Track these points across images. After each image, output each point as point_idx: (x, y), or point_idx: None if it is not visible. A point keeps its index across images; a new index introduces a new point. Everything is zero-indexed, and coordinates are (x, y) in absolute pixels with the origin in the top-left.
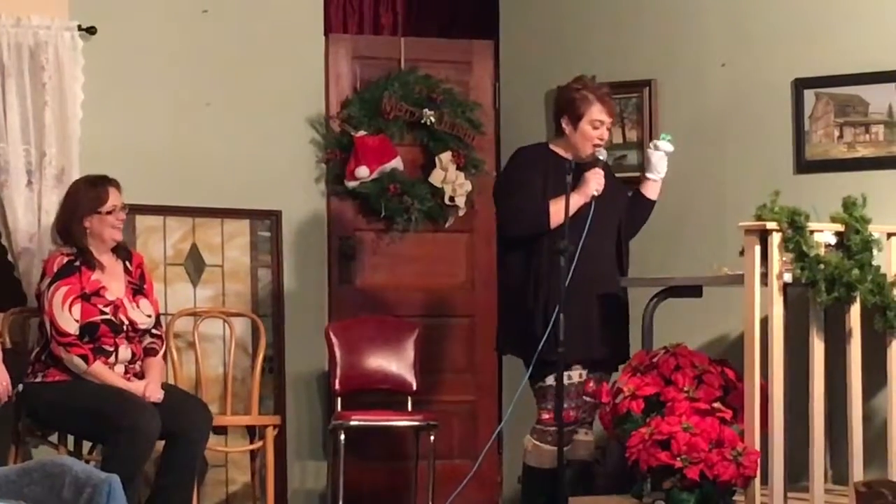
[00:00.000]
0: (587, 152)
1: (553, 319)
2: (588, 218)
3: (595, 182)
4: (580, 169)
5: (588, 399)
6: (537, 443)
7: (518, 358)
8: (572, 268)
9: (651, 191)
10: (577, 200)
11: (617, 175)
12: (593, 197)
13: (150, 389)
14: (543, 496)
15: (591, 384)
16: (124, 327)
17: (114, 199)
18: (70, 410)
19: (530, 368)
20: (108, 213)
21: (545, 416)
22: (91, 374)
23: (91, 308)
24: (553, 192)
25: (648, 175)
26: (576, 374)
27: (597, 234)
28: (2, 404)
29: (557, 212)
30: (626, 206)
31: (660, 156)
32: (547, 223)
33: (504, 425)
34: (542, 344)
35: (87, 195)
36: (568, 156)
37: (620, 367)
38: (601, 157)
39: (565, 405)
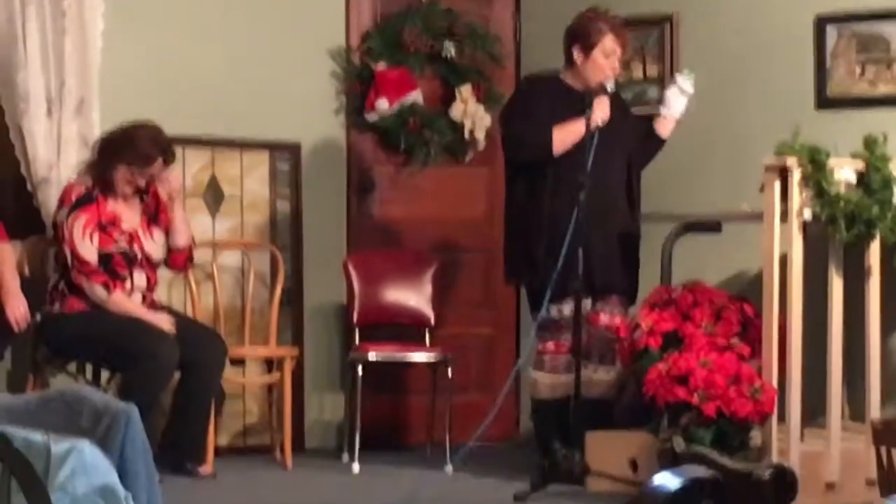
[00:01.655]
0: (597, 82)
1: (565, 250)
2: (592, 147)
3: (600, 111)
4: (587, 98)
5: (602, 333)
6: (536, 374)
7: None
8: (581, 198)
9: (663, 128)
10: (580, 128)
11: (635, 110)
12: (597, 126)
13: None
14: (553, 428)
15: (603, 317)
16: (138, 258)
17: (155, 168)
18: (88, 340)
19: (546, 298)
20: (138, 175)
21: (540, 346)
22: (112, 303)
23: (107, 238)
24: (559, 121)
25: (662, 111)
26: (567, 309)
27: (603, 164)
28: (21, 333)
29: (561, 139)
30: (637, 138)
31: (675, 92)
32: (551, 149)
33: (521, 360)
34: (553, 276)
35: (139, 150)
36: (578, 86)
37: (632, 302)
38: (609, 88)
39: (562, 337)
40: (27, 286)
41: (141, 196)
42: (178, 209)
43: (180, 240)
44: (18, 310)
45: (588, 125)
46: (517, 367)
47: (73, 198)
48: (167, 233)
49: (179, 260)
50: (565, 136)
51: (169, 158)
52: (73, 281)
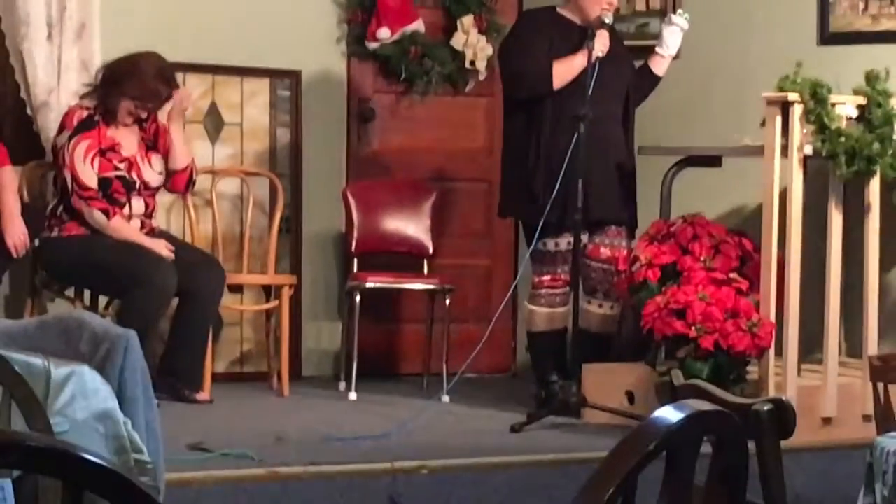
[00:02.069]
0: (595, 15)
1: (560, 182)
2: (592, 81)
3: (599, 44)
4: (585, 32)
5: (603, 266)
6: (532, 307)
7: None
8: (581, 131)
9: (658, 66)
10: (580, 62)
11: (638, 43)
12: (597, 59)
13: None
14: (550, 360)
15: (604, 250)
16: (137, 185)
17: (159, 103)
18: (86, 265)
19: (538, 231)
20: (141, 109)
21: (536, 279)
22: (110, 228)
23: (106, 163)
24: (557, 55)
25: (658, 49)
26: (564, 242)
27: (602, 97)
28: (19, 257)
29: (561, 73)
30: (632, 74)
31: (672, 30)
32: (550, 84)
33: (518, 291)
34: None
35: (145, 85)
36: (575, 19)
37: (632, 234)
38: (607, 21)
39: (558, 270)
40: (26, 211)
41: (140, 123)
42: (177, 131)
43: (180, 161)
44: (18, 235)
45: (589, 58)
46: (511, 292)
47: (75, 122)
48: (166, 158)
49: (180, 182)
50: (565, 70)
51: (174, 91)
52: (73, 205)
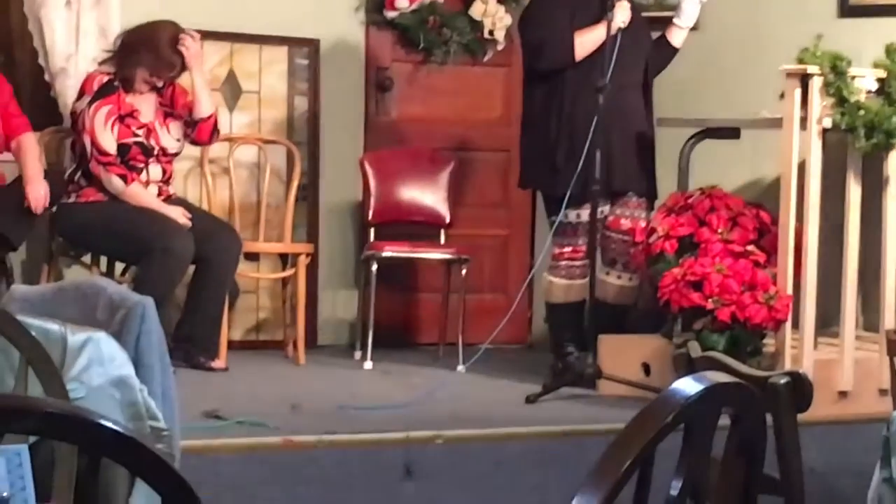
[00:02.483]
0: None
1: (585, 154)
2: (613, 51)
3: (621, 15)
4: (605, 2)
5: (623, 237)
6: (552, 278)
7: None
8: (601, 102)
9: (675, 37)
10: (601, 33)
11: (657, 14)
12: (619, 29)
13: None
14: (567, 331)
15: (624, 222)
16: (155, 151)
17: (175, 73)
18: (104, 231)
19: (565, 202)
20: (157, 79)
21: (556, 250)
22: (128, 194)
23: (125, 129)
24: (579, 26)
25: (675, 20)
26: (585, 213)
27: (622, 67)
28: (40, 215)
29: (582, 43)
30: (651, 45)
31: (691, 1)
32: (572, 55)
33: (537, 262)
34: (573, 181)
35: (161, 56)
36: None
37: (651, 205)
38: None
39: (579, 241)
40: (46, 177)
41: (158, 89)
42: (198, 78)
43: (204, 109)
44: (38, 192)
45: (609, 29)
46: (533, 270)
47: (95, 86)
48: (190, 114)
49: (205, 131)
50: (588, 41)
51: (186, 49)
52: (91, 171)
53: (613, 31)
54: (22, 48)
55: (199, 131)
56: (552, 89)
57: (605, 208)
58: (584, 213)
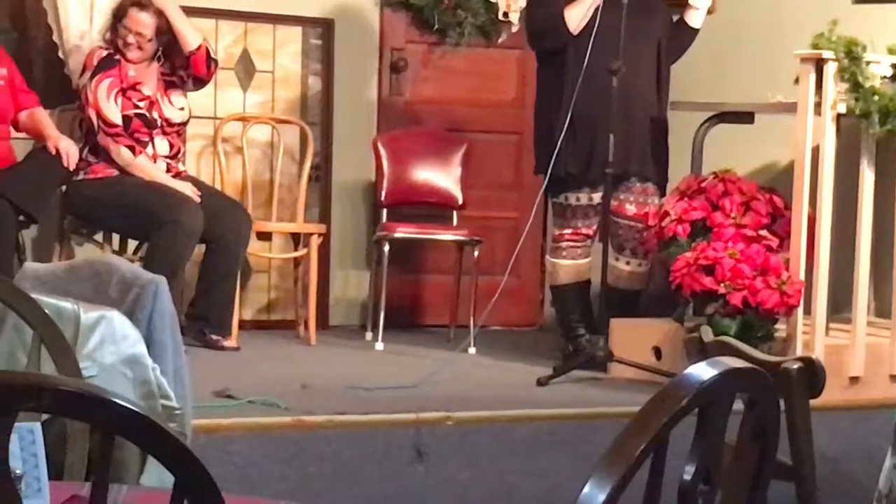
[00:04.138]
0: None
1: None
2: (613, 21)
3: None
4: None
5: (630, 223)
6: (554, 260)
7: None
8: (614, 84)
9: (693, 18)
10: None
11: None
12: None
13: None
14: (575, 312)
15: (629, 207)
16: (158, 123)
17: (130, 21)
18: (113, 206)
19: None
20: (126, 28)
21: (556, 232)
22: (136, 166)
23: (127, 102)
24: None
25: (691, 1)
26: (584, 197)
27: (632, 51)
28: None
29: (573, 15)
30: (668, 28)
31: None
32: (565, 29)
33: (546, 243)
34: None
35: (121, 3)
36: None
37: (662, 191)
38: None
39: (579, 224)
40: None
41: (158, 59)
42: (173, 13)
43: (191, 41)
44: (67, 145)
45: None
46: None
47: (95, 61)
48: (182, 67)
49: (199, 63)
50: (576, 10)
51: (142, 5)
52: (99, 143)
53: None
54: (36, 25)
55: (194, 64)
56: (555, 71)
57: (594, 195)
58: (583, 196)
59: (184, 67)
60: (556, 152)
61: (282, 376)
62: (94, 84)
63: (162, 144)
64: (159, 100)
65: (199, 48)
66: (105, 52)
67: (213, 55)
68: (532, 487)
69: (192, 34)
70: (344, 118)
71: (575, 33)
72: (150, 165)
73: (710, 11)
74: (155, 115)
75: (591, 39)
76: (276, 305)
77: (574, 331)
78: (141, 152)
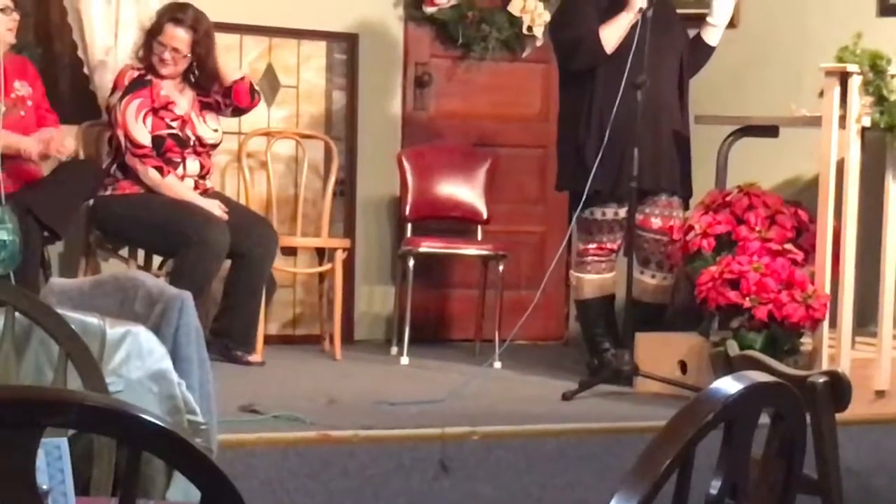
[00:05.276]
0: None
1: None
2: (645, 39)
3: None
4: None
5: (655, 237)
6: (578, 275)
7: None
8: (639, 98)
9: (710, 36)
10: (626, 18)
11: (690, 11)
12: (642, 11)
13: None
14: (600, 327)
15: (655, 221)
16: (191, 142)
17: (167, 37)
18: (140, 223)
19: (582, 199)
20: (161, 45)
21: (581, 247)
22: (165, 186)
23: (159, 122)
24: (606, 19)
25: (708, 18)
26: (611, 212)
27: (656, 64)
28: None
29: (608, 35)
30: (686, 43)
31: (722, 1)
32: (602, 50)
33: (570, 257)
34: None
35: (158, 20)
36: None
37: (686, 205)
38: None
39: (605, 239)
40: (82, 169)
41: (190, 78)
42: (211, 59)
43: (230, 75)
44: (39, 147)
45: (627, 11)
46: (556, 258)
47: (127, 81)
48: (222, 95)
49: (242, 93)
50: (612, 31)
51: (179, 21)
52: (127, 163)
53: (636, 11)
54: (61, 41)
55: (237, 94)
56: (583, 88)
57: (619, 210)
58: (610, 211)
59: (223, 96)
60: (592, 172)
61: (307, 391)
62: (123, 105)
63: (193, 165)
64: (193, 119)
65: (242, 78)
66: (137, 73)
67: (256, 87)
68: (557, 502)
69: (231, 68)
70: (368, 133)
71: (610, 53)
72: (178, 185)
73: (732, 25)
74: (188, 132)
75: (630, 59)
76: (301, 320)
77: (599, 345)
78: (169, 172)
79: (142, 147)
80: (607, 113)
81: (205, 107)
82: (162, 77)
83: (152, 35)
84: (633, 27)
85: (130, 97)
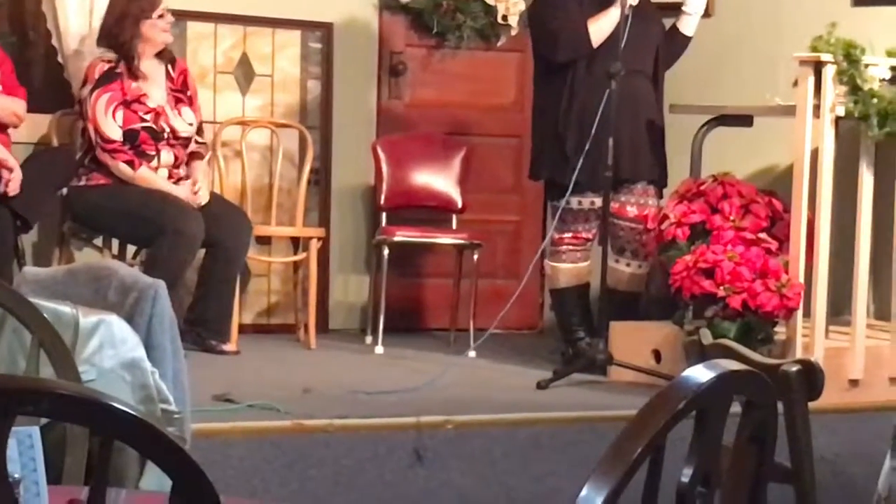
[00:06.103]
0: None
1: (589, 141)
2: (625, 33)
3: None
4: None
5: (631, 225)
6: (554, 264)
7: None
8: (613, 87)
9: (685, 25)
10: (615, 14)
11: (666, 0)
12: (630, 6)
13: (198, 193)
14: (575, 316)
15: (630, 209)
16: (165, 134)
17: (161, 5)
18: (114, 213)
19: (570, 189)
20: (160, 16)
21: (556, 236)
22: (137, 178)
23: (132, 115)
24: (588, 13)
25: (684, 8)
26: (587, 201)
27: (633, 54)
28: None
29: (597, 30)
30: (662, 33)
31: None
32: (589, 43)
33: (546, 246)
34: (577, 167)
35: (138, 1)
36: None
37: (660, 193)
38: None
39: (580, 228)
40: (55, 158)
41: (168, 69)
42: (201, 172)
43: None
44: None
45: (623, 7)
46: (541, 250)
47: (97, 75)
48: (195, 110)
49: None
50: (602, 26)
51: None
52: (98, 158)
53: (627, 7)
54: (36, 30)
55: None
56: (561, 78)
57: (595, 199)
58: (586, 201)
59: (194, 131)
60: (578, 163)
61: (281, 380)
62: (93, 99)
63: (168, 156)
64: (167, 111)
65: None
66: (107, 66)
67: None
68: (532, 491)
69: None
70: (343, 122)
71: (595, 47)
72: (151, 175)
73: (707, 15)
74: (163, 124)
75: (609, 49)
76: (275, 309)
77: (574, 334)
78: (141, 164)
79: (111, 142)
80: (589, 104)
81: (179, 101)
82: (139, 71)
83: (143, 13)
84: (629, 21)
85: (100, 91)
